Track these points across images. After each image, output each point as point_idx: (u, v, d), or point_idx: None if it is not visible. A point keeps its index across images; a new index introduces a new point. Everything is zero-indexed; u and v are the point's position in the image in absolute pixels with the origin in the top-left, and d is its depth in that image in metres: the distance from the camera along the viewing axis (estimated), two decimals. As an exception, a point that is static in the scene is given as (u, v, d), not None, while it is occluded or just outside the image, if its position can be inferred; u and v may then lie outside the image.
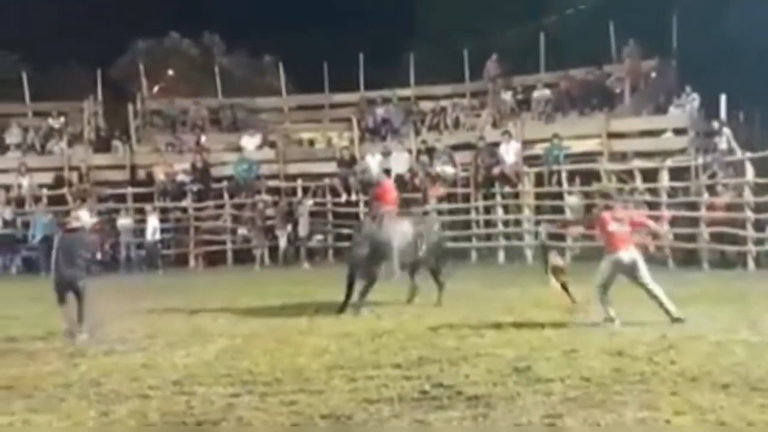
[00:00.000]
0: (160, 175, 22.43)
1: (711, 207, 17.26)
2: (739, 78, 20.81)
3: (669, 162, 18.61)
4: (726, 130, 18.03)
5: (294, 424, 6.04)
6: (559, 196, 20.06)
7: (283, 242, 21.07)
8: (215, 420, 6.20)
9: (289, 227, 21.12)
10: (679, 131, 20.02)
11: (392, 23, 32.94)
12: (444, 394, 6.68)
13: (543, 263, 11.13)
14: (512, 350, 8.28)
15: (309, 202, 21.60)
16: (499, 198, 20.74)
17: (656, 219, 9.97)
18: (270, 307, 12.21)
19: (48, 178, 22.53)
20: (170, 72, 35.82)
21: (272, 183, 22.73)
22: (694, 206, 17.57)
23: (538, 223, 20.04)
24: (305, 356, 8.33)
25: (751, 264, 16.25)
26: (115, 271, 20.60)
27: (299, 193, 22.20)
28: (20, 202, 21.97)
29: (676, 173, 18.46)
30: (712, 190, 17.61)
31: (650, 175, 18.65)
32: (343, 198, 22.03)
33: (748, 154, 17.06)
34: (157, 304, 12.13)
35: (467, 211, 21.05)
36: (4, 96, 27.92)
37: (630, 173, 19.02)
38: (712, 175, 17.77)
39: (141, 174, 23.00)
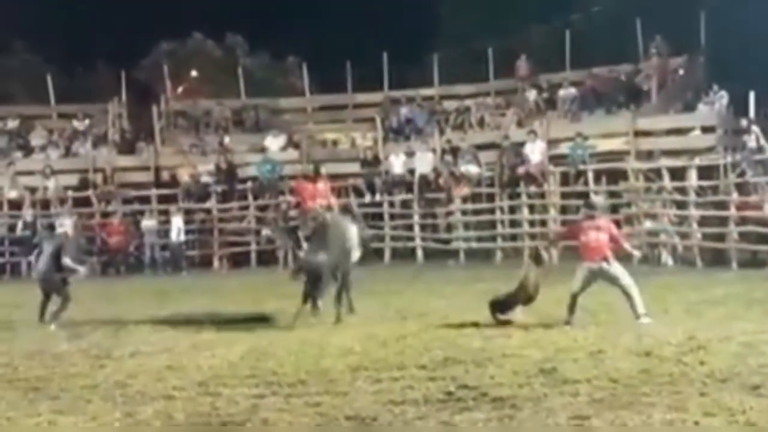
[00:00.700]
0: (184, 176, 22.49)
1: (740, 206, 17.04)
2: (768, 75, 20.58)
3: (697, 160, 18.41)
4: (755, 128, 17.81)
5: (318, 426, 6.01)
6: (586, 195, 19.88)
7: (305, 243, 21.05)
8: (240, 421, 6.19)
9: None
10: (707, 129, 19.82)
11: (416, 22, 32.90)
12: (469, 395, 6.62)
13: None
14: (538, 351, 8.20)
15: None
16: (524, 198, 20.61)
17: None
18: (292, 309, 12.17)
19: (73, 180, 22.65)
20: (194, 73, 35.96)
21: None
22: (722, 205, 17.35)
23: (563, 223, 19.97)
24: (330, 357, 8.30)
25: (781, 263, 16.04)
26: (140, 272, 20.71)
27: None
28: (45, 204, 22.10)
29: (705, 172, 18.25)
30: (741, 188, 17.39)
31: (678, 174, 18.45)
32: (367, 198, 21.99)
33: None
34: (181, 305, 12.14)
35: (492, 211, 20.94)
36: (28, 98, 28.21)
37: (657, 172, 18.82)
38: (741, 174, 17.54)
39: (165, 175, 23.09)
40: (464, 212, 21.18)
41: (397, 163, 21.93)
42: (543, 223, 20.54)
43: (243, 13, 35.95)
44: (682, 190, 18.11)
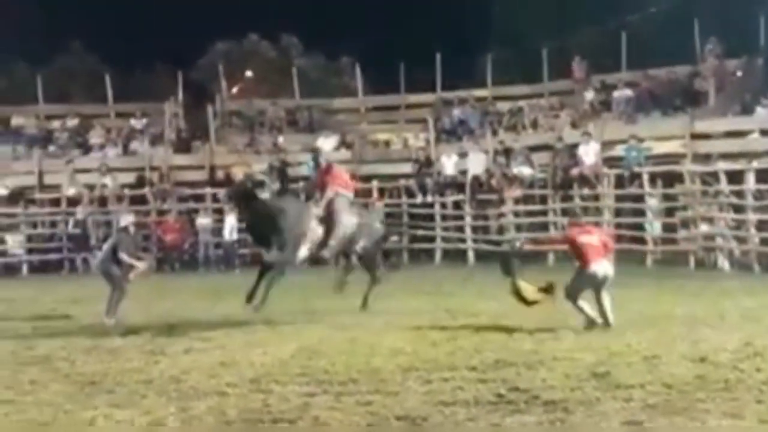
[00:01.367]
0: (238, 175, 22.67)
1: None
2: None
3: (755, 164, 18.02)
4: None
5: (369, 425, 6.02)
6: (640, 198, 19.66)
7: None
8: (291, 419, 6.21)
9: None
10: (765, 132, 19.40)
11: (469, 23, 32.80)
12: (520, 398, 6.58)
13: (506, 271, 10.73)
14: (591, 355, 8.11)
15: (378, 203, 21.57)
16: (577, 200, 20.39)
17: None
18: (344, 308, 12.23)
19: (130, 178, 23.05)
20: (249, 73, 36.36)
21: (348, 184, 22.76)
22: (781, 209, 17.00)
23: (618, 226, 19.76)
24: (380, 357, 8.31)
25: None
26: (194, 270, 20.97)
27: (374, 194, 22.23)
28: (102, 202, 22.52)
29: (763, 175, 17.86)
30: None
31: (736, 178, 18.09)
32: (419, 199, 21.99)
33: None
34: (233, 302, 12.23)
35: (544, 213, 20.79)
36: (87, 97, 28.79)
37: (714, 175, 18.50)
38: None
39: (220, 174, 23.35)
40: (516, 214, 21.07)
41: (449, 164, 21.90)
42: (596, 225, 20.28)
43: (298, 14, 36.26)
44: (740, 194, 17.76)
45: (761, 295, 12.32)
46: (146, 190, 22.55)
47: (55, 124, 25.73)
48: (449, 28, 32.61)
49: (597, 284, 9.78)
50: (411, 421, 6.07)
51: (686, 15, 23.28)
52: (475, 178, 21.25)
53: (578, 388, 6.84)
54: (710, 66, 21.79)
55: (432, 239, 21.86)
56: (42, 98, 26.23)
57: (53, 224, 22.35)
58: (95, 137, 24.79)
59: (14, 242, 21.98)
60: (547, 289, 10.22)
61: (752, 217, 17.12)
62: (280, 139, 24.16)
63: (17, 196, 22.26)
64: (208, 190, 22.43)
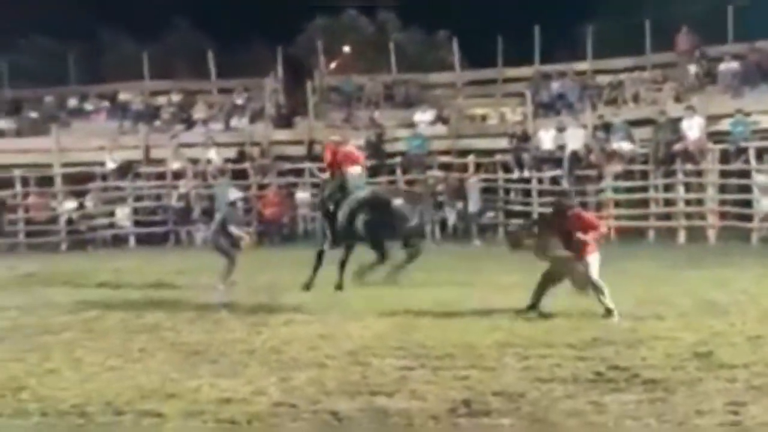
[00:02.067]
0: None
1: None
2: None
3: None
4: None
5: (466, 400, 6.06)
6: (746, 174, 19.02)
7: (452, 218, 21.13)
8: (389, 391, 6.31)
9: (460, 203, 21.14)
10: None
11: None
12: (620, 376, 6.53)
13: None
14: (692, 334, 7.97)
15: (472, 179, 21.47)
16: (680, 176, 19.88)
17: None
18: (440, 282, 12.28)
19: (231, 153, 23.55)
20: (346, 49, 36.54)
21: (444, 159, 22.78)
22: None
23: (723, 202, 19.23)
24: (476, 332, 8.34)
25: None
26: (294, 243, 21.34)
27: (470, 168, 22.13)
28: (205, 176, 23.09)
29: None
30: None
31: None
32: (515, 174, 21.81)
33: None
34: (330, 276, 12.38)
35: (645, 189, 20.33)
36: (191, 73, 29.50)
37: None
38: None
39: (318, 149, 23.61)
40: (616, 190, 20.67)
41: (546, 139, 21.60)
42: (699, 202, 19.79)
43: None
44: None
45: None
46: (247, 165, 23.00)
47: (161, 99, 26.49)
48: (548, -1, 32.02)
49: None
50: (508, 397, 6.09)
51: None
52: (574, 153, 20.90)
53: (680, 367, 6.75)
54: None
55: (528, 215, 21.65)
56: (148, 74, 27.01)
57: (159, 197, 23.06)
58: (198, 113, 25.42)
59: (122, 215, 22.80)
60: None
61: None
62: (377, 114, 24.27)
63: (125, 170, 23.04)
64: (307, 165, 22.68)
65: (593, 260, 9.34)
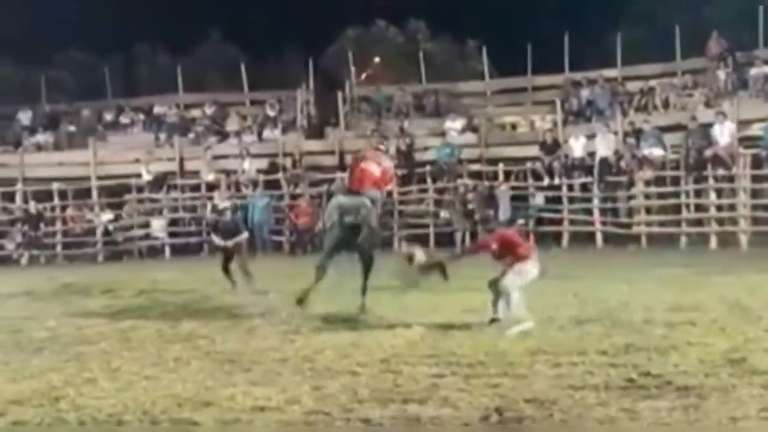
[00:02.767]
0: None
1: None
2: None
3: None
4: None
5: (498, 407, 6.09)
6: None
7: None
8: (421, 399, 6.32)
9: (491, 211, 21.15)
10: None
11: (597, 1, 32.11)
12: (652, 383, 6.50)
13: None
14: (725, 341, 7.91)
15: (503, 187, 21.46)
16: (711, 181, 19.76)
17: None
18: (471, 290, 12.28)
19: (264, 163, 23.76)
20: (377, 59, 36.72)
21: (474, 167, 22.81)
22: None
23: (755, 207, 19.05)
24: (508, 340, 8.35)
25: None
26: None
27: (500, 177, 22.14)
28: (238, 187, 23.31)
29: None
30: None
31: None
32: (546, 182, 21.78)
33: None
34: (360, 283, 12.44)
35: (677, 195, 20.23)
36: (224, 85, 29.83)
37: None
38: None
39: (348, 159, 23.73)
40: (647, 196, 20.59)
41: (576, 146, 21.58)
42: (731, 207, 19.64)
43: (425, -1, 36.38)
44: None
45: None
46: (279, 175, 23.19)
47: (195, 112, 26.82)
48: (577, 6, 31.99)
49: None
50: (540, 404, 6.09)
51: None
52: (604, 160, 20.86)
53: (713, 374, 6.70)
54: None
55: (559, 222, 21.62)
56: (182, 87, 27.33)
57: (193, 209, 23.31)
58: (231, 124, 25.70)
59: (157, 226, 23.08)
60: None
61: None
62: (407, 124, 24.37)
63: (160, 182, 23.34)
64: (338, 175, 22.80)
65: (519, 270, 9.30)
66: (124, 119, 26.82)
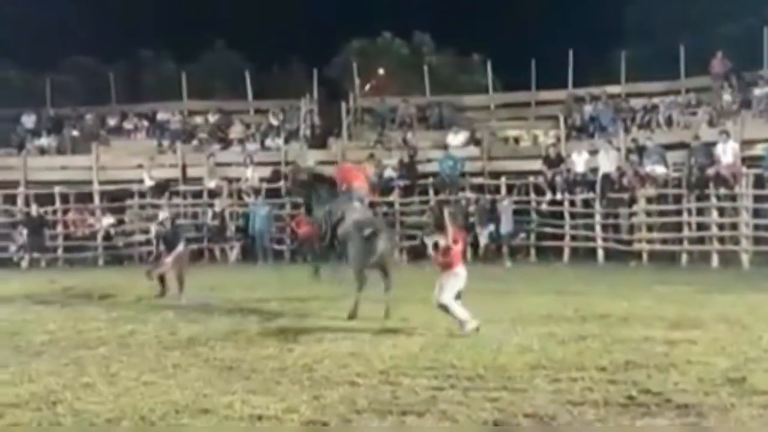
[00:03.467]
0: (368, 170, 23.08)
1: None
2: None
3: None
4: None
5: (496, 422, 6.08)
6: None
7: (483, 239, 21.12)
8: (420, 411, 6.31)
9: (492, 225, 21.15)
10: None
11: (602, 18, 32.20)
12: (652, 400, 6.49)
13: None
14: (726, 359, 7.90)
15: (505, 201, 21.45)
16: (713, 200, 19.77)
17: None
18: (470, 303, 12.27)
19: (266, 172, 23.77)
20: (381, 71, 36.78)
21: (476, 180, 22.82)
22: None
23: (757, 227, 19.06)
24: (507, 354, 8.33)
25: None
26: (325, 261, 21.38)
27: (503, 190, 22.15)
28: (239, 195, 23.33)
29: None
30: None
31: None
32: (548, 197, 21.78)
33: None
34: (365, 293, 12.45)
35: (678, 213, 20.23)
36: (228, 93, 29.89)
37: None
38: None
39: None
40: (649, 213, 20.59)
41: (579, 162, 21.60)
42: (733, 226, 19.64)
43: (430, 12, 36.50)
44: None
45: None
46: (281, 184, 23.20)
47: (198, 119, 26.86)
48: (582, 23, 32.05)
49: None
50: (539, 420, 6.09)
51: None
52: (606, 176, 20.87)
53: (713, 393, 6.69)
54: None
55: (560, 237, 21.62)
56: (186, 94, 27.39)
57: (195, 215, 23.32)
58: (234, 132, 25.73)
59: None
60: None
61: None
62: (409, 136, 24.41)
63: (162, 188, 23.35)
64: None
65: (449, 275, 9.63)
66: (127, 125, 26.88)
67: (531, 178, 22.25)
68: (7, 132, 26.61)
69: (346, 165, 13.15)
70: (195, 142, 25.41)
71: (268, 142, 25.09)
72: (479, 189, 22.47)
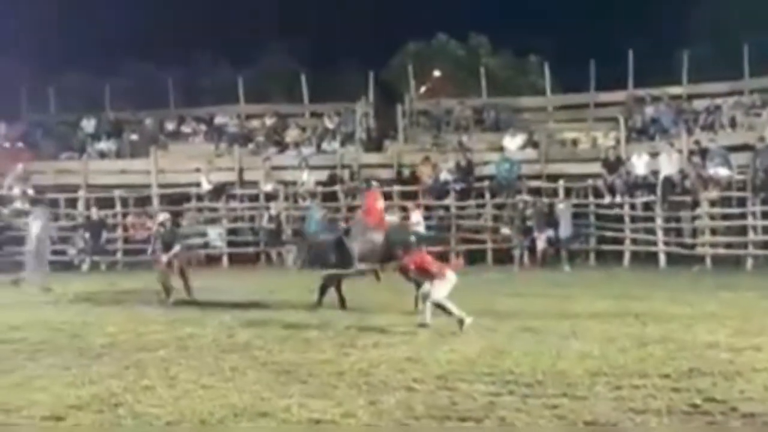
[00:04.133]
0: (424, 174, 23.03)
1: None
2: None
3: None
4: None
5: (557, 429, 5.97)
6: None
7: (541, 243, 20.87)
8: (478, 417, 6.24)
9: (550, 229, 20.90)
10: None
11: (665, 17, 31.69)
12: (717, 409, 6.33)
13: None
14: (794, 368, 7.68)
15: (561, 205, 21.18)
16: (779, 203, 19.27)
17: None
18: (529, 308, 12.15)
19: (322, 175, 23.85)
20: (437, 73, 36.70)
21: (534, 183, 22.59)
22: None
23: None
24: (567, 360, 8.20)
25: None
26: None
27: (561, 193, 21.88)
28: (295, 198, 23.44)
29: None
30: None
31: None
32: (607, 200, 21.47)
33: None
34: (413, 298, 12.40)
35: (743, 216, 19.75)
36: (284, 97, 30.08)
37: None
38: None
39: (405, 172, 23.72)
40: (712, 216, 20.15)
41: (639, 164, 21.25)
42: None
43: (487, 13, 36.35)
44: None
45: None
46: (337, 188, 23.25)
47: (255, 123, 27.07)
48: (643, 23, 31.59)
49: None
50: (600, 428, 5.97)
51: None
52: (668, 179, 20.48)
53: (779, 401, 6.51)
54: None
55: (621, 241, 21.28)
56: (243, 98, 27.64)
57: (252, 219, 23.49)
58: (291, 136, 25.87)
59: (215, 235, 23.30)
60: None
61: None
62: (465, 138, 24.27)
63: (219, 191, 23.58)
64: (395, 188, 22.76)
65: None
66: (185, 129, 27.19)
67: (590, 181, 21.94)
68: (68, 136, 27.11)
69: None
70: (251, 146, 25.60)
71: (324, 145, 25.17)
72: (536, 192, 22.22)
